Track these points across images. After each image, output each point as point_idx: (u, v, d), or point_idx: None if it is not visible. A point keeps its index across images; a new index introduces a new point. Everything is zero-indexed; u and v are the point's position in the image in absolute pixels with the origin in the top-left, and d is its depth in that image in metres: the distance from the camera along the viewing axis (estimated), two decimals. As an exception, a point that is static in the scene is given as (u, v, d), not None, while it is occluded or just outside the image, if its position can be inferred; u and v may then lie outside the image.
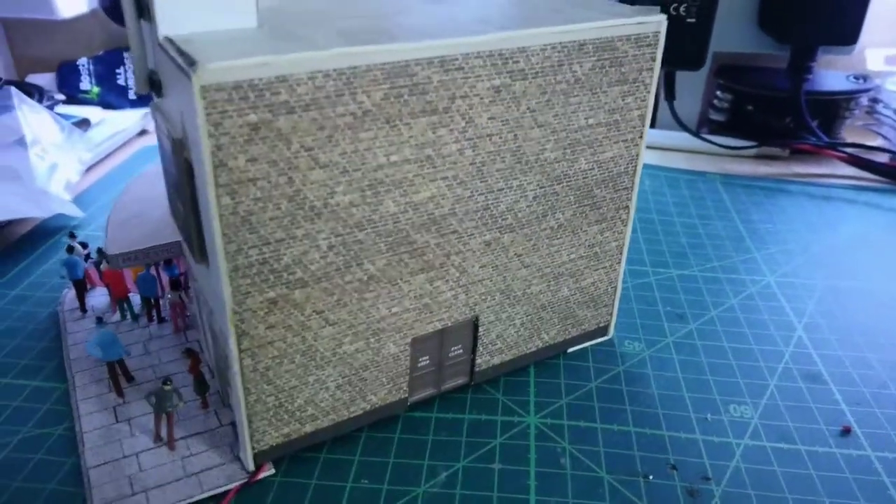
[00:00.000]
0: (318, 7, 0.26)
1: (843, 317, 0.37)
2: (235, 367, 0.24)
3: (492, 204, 0.26)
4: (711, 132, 0.59)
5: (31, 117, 0.48)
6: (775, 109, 0.56)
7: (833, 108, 0.56)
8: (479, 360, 0.30)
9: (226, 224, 0.21)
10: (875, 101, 0.59)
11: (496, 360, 0.31)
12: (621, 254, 0.32)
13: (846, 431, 0.29)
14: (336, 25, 0.23)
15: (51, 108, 0.55)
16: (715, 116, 0.59)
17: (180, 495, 0.25)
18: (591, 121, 0.27)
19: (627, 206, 0.31)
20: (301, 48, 0.20)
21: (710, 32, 0.48)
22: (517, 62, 0.24)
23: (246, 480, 0.26)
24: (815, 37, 0.52)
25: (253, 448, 0.26)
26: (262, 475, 0.27)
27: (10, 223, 0.44)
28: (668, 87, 0.53)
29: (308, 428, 0.27)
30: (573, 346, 0.34)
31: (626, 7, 0.28)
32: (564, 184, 0.28)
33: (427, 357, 0.29)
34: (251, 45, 0.21)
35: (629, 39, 0.26)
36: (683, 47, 0.48)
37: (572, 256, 0.30)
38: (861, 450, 0.29)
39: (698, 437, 0.29)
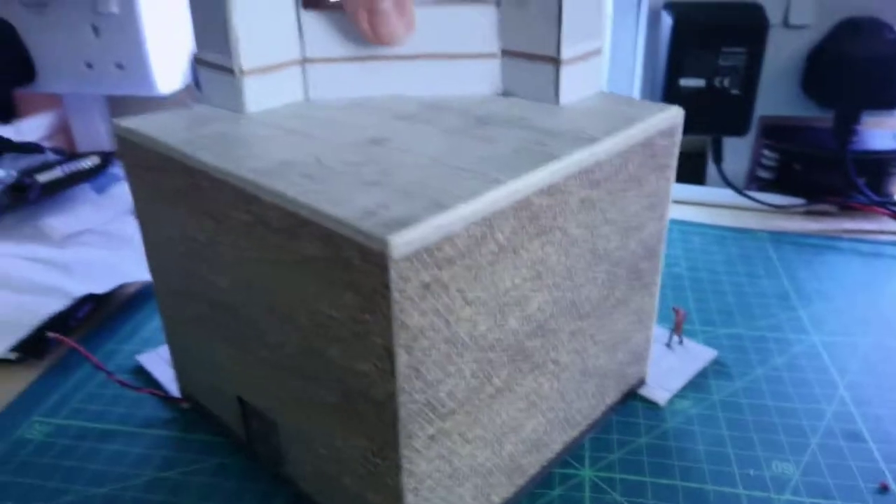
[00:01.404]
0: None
1: (887, 375, 0.39)
2: None
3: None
4: (759, 190, 0.62)
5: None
6: (822, 168, 0.58)
7: (881, 165, 0.58)
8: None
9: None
10: (924, 157, 0.61)
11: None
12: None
13: (884, 489, 0.31)
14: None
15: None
16: (762, 174, 0.62)
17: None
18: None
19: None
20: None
21: (754, 102, 0.51)
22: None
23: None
24: (857, 102, 0.54)
25: None
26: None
27: (123, 285, 0.50)
28: (716, 151, 0.56)
29: None
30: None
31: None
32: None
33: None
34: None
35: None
36: (728, 117, 0.51)
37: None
38: (897, 507, 0.31)
39: (741, 492, 0.32)
